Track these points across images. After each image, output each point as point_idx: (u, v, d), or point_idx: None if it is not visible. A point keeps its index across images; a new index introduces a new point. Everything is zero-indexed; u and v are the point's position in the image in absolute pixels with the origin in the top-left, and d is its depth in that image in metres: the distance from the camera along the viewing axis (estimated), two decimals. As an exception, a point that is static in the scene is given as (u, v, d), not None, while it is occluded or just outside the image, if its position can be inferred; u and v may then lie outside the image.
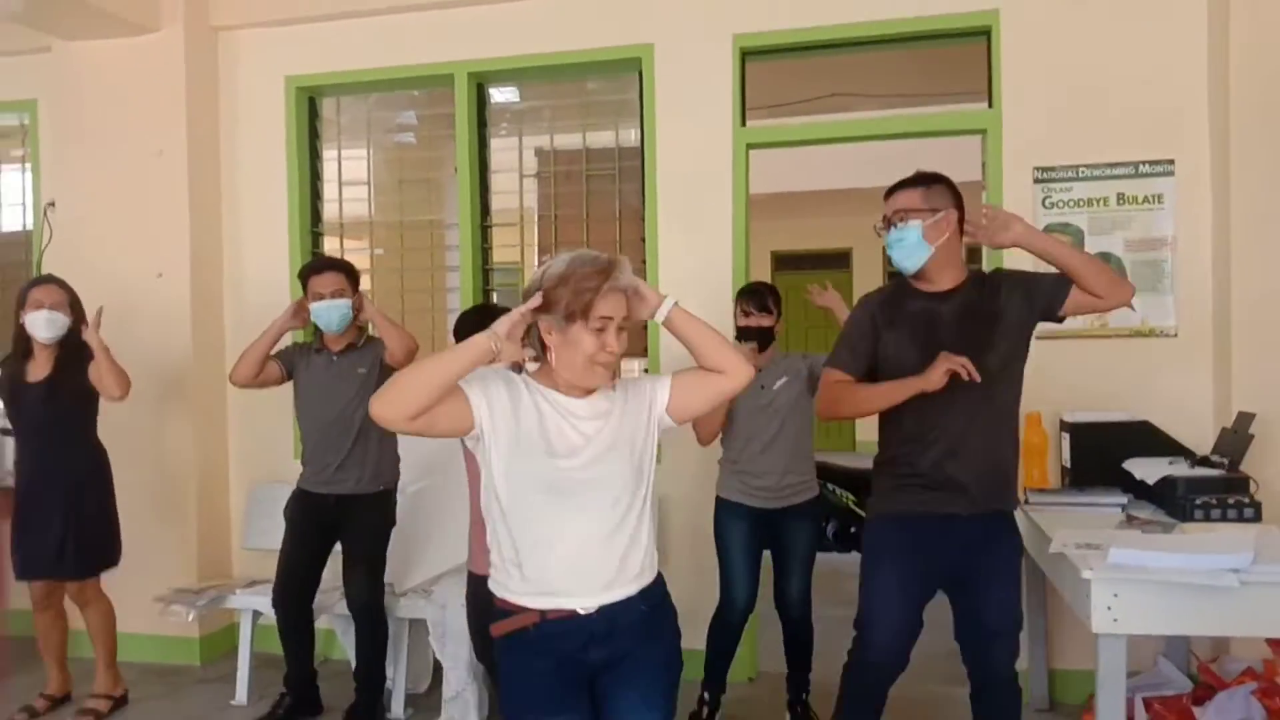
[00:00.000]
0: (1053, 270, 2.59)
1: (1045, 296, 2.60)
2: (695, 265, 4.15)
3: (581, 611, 1.95)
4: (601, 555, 1.96)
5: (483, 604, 2.93)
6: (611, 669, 2.01)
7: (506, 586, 2.00)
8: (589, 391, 2.01)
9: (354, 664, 3.72)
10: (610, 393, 2.03)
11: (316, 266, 3.65)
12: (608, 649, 1.99)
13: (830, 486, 6.07)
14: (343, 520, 3.59)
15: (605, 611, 1.96)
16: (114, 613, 3.87)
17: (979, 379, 2.47)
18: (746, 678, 4.09)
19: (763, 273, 9.78)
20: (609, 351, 1.95)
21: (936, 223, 2.59)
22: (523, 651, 1.99)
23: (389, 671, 3.79)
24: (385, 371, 3.54)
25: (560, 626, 1.95)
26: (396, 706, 3.79)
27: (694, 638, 3.71)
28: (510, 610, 1.99)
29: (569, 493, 1.94)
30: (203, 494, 4.48)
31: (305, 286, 3.61)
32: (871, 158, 6.76)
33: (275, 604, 3.67)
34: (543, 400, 1.98)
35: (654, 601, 2.03)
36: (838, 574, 5.70)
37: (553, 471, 1.94)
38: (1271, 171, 3.40)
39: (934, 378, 2.49)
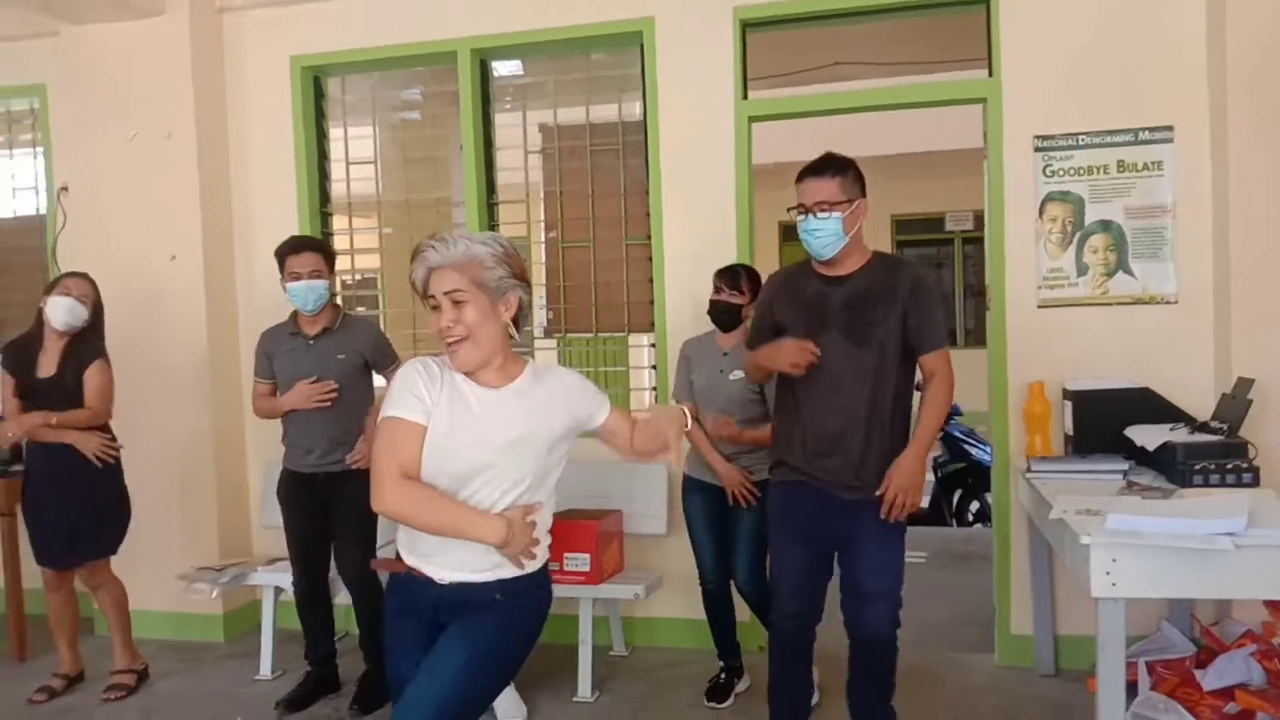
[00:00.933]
0: (932, 322, 2.80)
1: (913, 342, 2.80)
2: (700, 239, 4.17)
3: (437, 580, 2.06)
4: (448, 553, 2.05)
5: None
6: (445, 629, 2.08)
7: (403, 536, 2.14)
8: (503, 382, 2.07)
9: (360, 638, 3.80)
10: (524, 388, 2.08)
11: (295, 246, 3.63)
12: (449, 616, 2.07)
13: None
14: (331, 497, 3.63)
15: (459, 587, 2.06)
16: (125, 592, 3.96)
17: (814, 360, 2.75)
18: (757, 646, 4.15)
19: (770, 244, 9.79)
20: (442, 327, 2.00)
21: (852, 212, 2.75)
22: (397, 596, 2.14)
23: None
24: (368, 360, 3.64)
25: (418, 584, 2.08)
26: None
27: (695, 609, 3.82)
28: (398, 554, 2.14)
29: (457, 475, 2.01)
30: (222, 473, 4.56)
31: (282, 265, 3.60)
32: (877, 126, 6.76)
33: (295, 583, 3.76)
34: (455, 386, 2.05)
35: (514, 592, 2.07)
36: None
37: (444, 453, 2.01)
38: (1269, 137, 3.40)
39: (779, 362, 2.80)
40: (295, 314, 3.69)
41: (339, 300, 4.10)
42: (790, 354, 2.76)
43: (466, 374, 2.07)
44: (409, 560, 2.10)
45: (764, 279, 3.61)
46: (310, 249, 3.63)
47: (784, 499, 2.93)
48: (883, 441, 2.81)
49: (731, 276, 3.58)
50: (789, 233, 10.13)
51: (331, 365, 3.61)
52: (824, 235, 2.74)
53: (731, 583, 3.69)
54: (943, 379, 2.81)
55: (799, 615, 2.91)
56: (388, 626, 2.17)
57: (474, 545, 2.00)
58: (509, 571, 2.05)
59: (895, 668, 2.92)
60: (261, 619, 4.12)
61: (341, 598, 3.98)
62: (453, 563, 2.05)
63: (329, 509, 3.68)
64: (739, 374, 3.52)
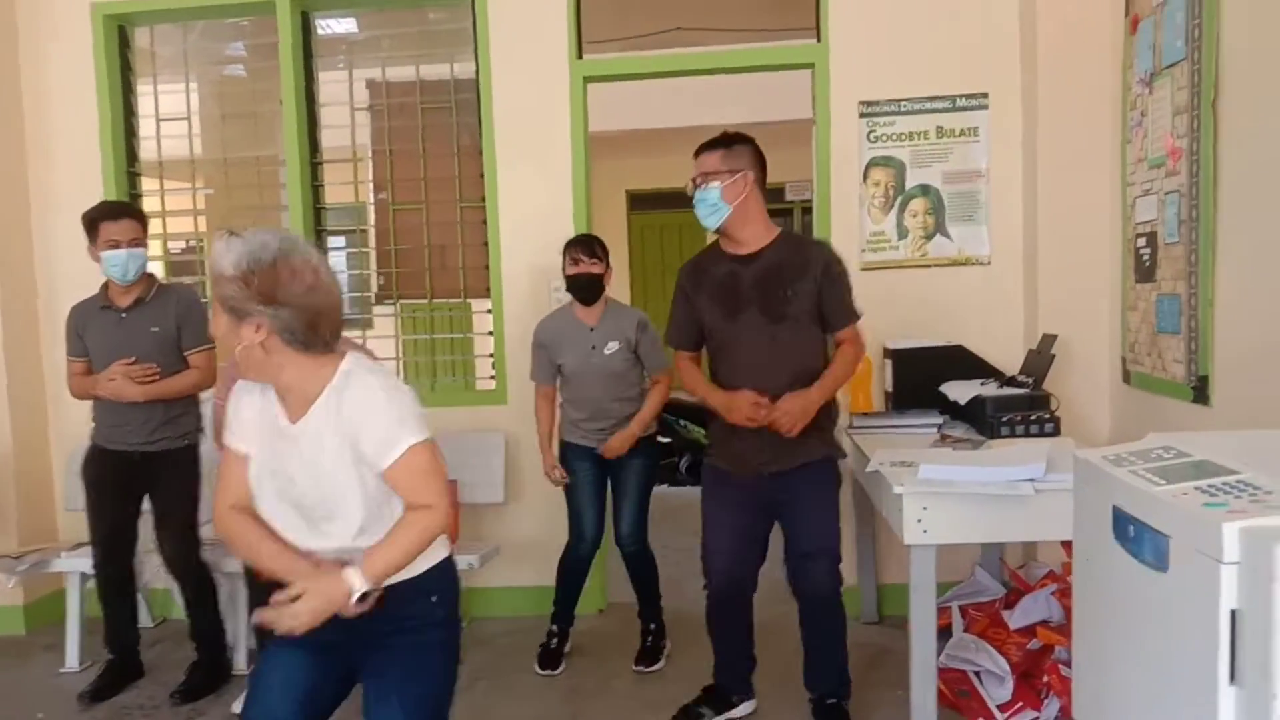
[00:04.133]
0: (846, 299, 2.88)
1: (828, 319, 2.88)
2: (538, 202, 4.10)
3: None
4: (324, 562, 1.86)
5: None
6: (362, 658, 1.92)
7: None
8: (305, 406, 1.84)
9: (191, 622, 3.60)
10: (321, 415, 1.83)
11: (113, 212, 3.36)
12: (336, 634, 1.85)
13: (682, 422, 6.20)
14: (149, 478, 3.43)
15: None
16: None
17: (766, 424, 2.76)
18: (596, 609, 4.17)
19: (617, 212, 9.75)
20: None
21: (734, 183, 2.80)
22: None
23: (229, 626, 3.69)
24: (179, 333, 3.39)
25: None
26: (239, 660, 3.70)
27: (547, 574, 3.79)
28: None
29: (303, 510, 1.87)
30: (20, 455, 4.21)
31: (93, 232, 3.32)
32: (718, 95, 6.82)
33: (97, 569, 3.52)
34: (272, 418, 1.87)
35: (393, 600, 1.86)
36: (692, 507, 5.87)
37: (271, 494, 1.87)
38: (1073, 106, 3.58)
39: (733, 415, 2.80)
40: (106, 285, 3.42)
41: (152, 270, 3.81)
42: (745, 411, 2.78)
43: (279, 399, 1.87)
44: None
45: (609, 248, 3.60)
46: (130, 215, 3.37)
47: (718, 477, 2.97)
48: (818, 416, 2.86)
49: (586, 244, 3.50)
50: (637, 202, 10.14)
51: (144, 339, 3.37)
52: (706, 204, 2.81)
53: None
54: (852, 344, 2.90)
55: (732, 582, 2.96)
56: (268, 644, 1.96)
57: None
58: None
59: (843, 632, 2.99)
60: (67, 607, 3.84)
61: (158, 582, 3.77)
62: None
63: (147, 489, 3.47)
64: (614, 345, 3.48)
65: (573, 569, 3.68)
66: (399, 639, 1.91)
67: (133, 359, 3.34)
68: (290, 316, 1.75)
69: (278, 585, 1.87)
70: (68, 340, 3.48)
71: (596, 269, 3.47)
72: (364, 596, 1.78)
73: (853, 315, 2.89)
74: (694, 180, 2.84)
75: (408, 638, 1.91)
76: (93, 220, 3.34)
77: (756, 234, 2.87)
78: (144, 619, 4.16)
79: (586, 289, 3.49)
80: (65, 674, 3.75)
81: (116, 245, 3.30)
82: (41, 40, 4.30)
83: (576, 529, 3.64)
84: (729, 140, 2.85)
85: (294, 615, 1.74)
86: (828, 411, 2.92)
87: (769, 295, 2.82)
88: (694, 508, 3.10)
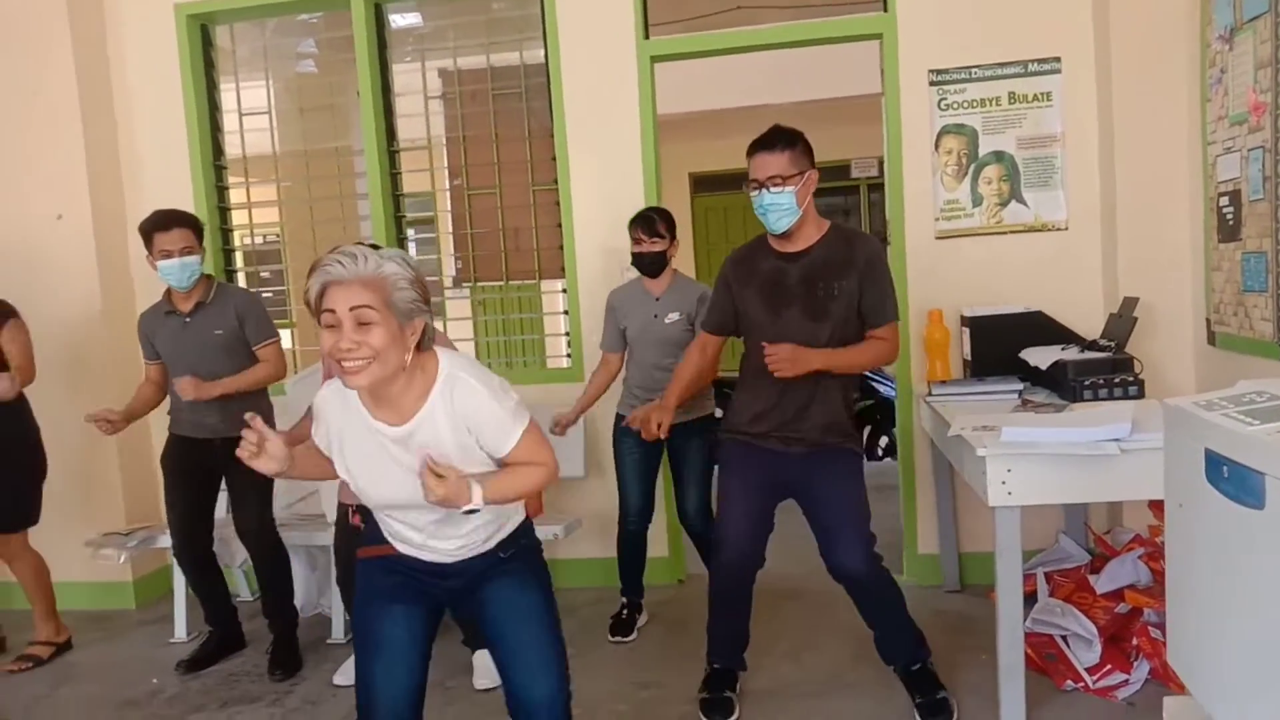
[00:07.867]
0: (884, 297, 2.82)
1: (865, 316, 2.83)
2: (607, 183, 4.18)
3: (438, 562, 2.10)
4: (438, 542, 2.07)
5: (344, 531, 3.10)
6: (480, 585, 2.11)
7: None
8: (409, 408, 1.92)
9: (262, 599, 3.71)
10: (428, 418, 1.92)
11: (164, 223, 3.43)
12: (463, 580, 2.11)
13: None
14: (226, 459, 3.54)
15: (465, 563, 2.10)
16: (44, 564, 3.83)
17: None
18: (676, 580, 4.25)
19: (681, 194, 9.79)
20: (342, 349, 1.80)
21: (804, 184, 2.77)
22: (378, 564, 2.14)
23: (327, 600, 3.83)
24: (242, 330, 3.52)
25: (414, 562, 2.11)
26: (337, 631, 3.86)
27: (611, 548, 3.87)
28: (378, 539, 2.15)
29: (394, 510, 2.05)
30: (124, 436, 4.35)
31: (148, 242, 3.42)
32: (774, 73, 6.82)
33: (177, 555, 3.68)
34: (361, 427, 1.96)
35: (509, 552, 2.12)
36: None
37: (363, 491, 2.03)
38: (1148, 66, 3.53)
39: (646, 429, 3.06)
40: (169, 290, 3.54)
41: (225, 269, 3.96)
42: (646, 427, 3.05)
43: (369, 408, 1.95)
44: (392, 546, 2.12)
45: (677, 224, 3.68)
46: (180, 224, 3.45)
47: (735, 452, 2.95)
48: (836, 412, 2.85)
49: (647, 224, 3.59)
50: (700, 184, 10.16)
51: (210, 341, 3.50)
52: (779, 209, 2.75)
53: (650, 525, 3.77)
54: (884, 341, 2.84)
55: (743, 555, 2.91)
56: (371, 606, 2.12)
57: (439, 543, 2.06)
58: (493, 542, 2.10)
59: (899, 605, 2.92)
60: (173, 582, 4.03)
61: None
62: (433, 556, 2.08)
63: (223, 472, 3.59)
64: (674, 316, 3.57)
65: (625, 543, 3.78)
66: (501, 568, 2.12)
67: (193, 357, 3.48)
68: (430, 319, 1.92)
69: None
70: (141, 345, 3.64)
71: (657, 247, 3.57)
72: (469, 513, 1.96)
73: (889, 314, 2.82)
74: (758, 182, 2.75)
75: (509, 565, 2.13)
76: (146, 232, 3.44)
77: (808, 232, 2.83)
78: (244, 593, 4.35)
79: (649, 265, 3.60)
80: (174, 644, 3.94)
81: (169, 255, 3.40)
82: (128, 40, 4.48)
83: (623, 504, 3.75)
84: (790, 138, 2.77)
85: (431, 490, 1.85)
86: (847, 406, 2.90)
87: (812, 294, 2.79)
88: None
